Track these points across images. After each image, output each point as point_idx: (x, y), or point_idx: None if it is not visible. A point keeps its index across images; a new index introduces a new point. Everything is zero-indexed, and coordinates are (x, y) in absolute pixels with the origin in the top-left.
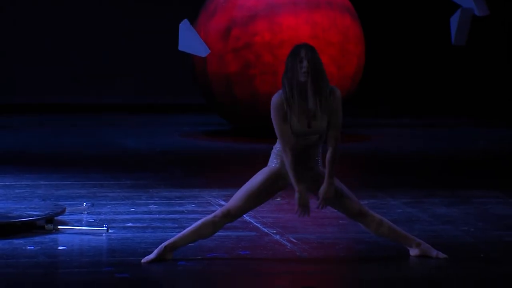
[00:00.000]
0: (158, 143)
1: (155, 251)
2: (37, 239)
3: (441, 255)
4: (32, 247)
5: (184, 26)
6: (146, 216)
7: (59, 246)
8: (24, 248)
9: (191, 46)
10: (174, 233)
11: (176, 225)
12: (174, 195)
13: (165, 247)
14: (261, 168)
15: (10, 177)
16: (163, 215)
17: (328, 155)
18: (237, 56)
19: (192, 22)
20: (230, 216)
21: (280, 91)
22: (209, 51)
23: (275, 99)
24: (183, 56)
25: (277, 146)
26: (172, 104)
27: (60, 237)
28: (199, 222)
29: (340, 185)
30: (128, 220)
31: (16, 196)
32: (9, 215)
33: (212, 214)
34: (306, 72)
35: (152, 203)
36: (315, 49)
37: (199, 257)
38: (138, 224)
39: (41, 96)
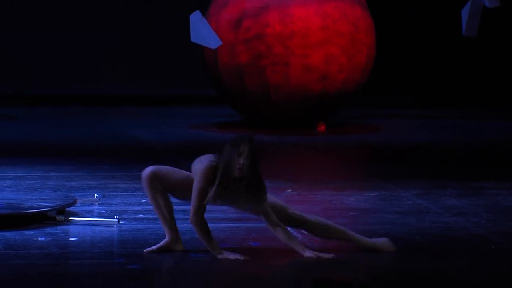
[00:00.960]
0: (169, 134)
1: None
2: (48, 230)
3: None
4: (44, 238)
5: (196, 18)
6: None
7: (71, 237)
8: (35, 239)
9: (203, 38)
10: (185, 224)
11: (187, 216)
12: None
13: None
14: (270, 159)
15: (22, 169)
16: (175, 206)
17: (281, 235)
18: (248, 47)
19: (203, 13)
20: None
21: (213, 159)
22: (221, 42)
23: (211, 164)
24: (194, 47)
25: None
26: (182, 95)
27: (71, 228)
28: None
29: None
30: (139, 212)
31: (27, 187)
32: (21, 206)
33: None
34: (241, 169)
35: None
36: (255, 147)
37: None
38: (149, 216)
39: (52, 86)
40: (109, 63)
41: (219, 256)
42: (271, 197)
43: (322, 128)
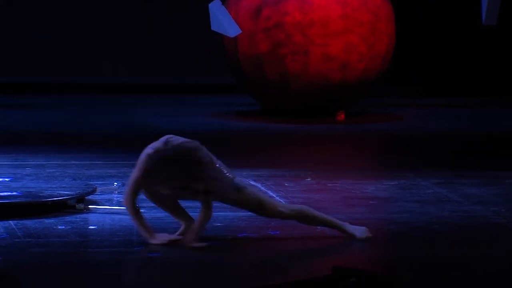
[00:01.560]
0: (188, 123)
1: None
2: (68, 218)
3: None
4: (63, 227)
5: (215, 6)
6: None
7: (90, 225)
8: (55, 227)
9: (222, 26)
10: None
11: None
12: None
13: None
14: (289, 148)
15: (41, 157)
16: None
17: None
18: (268, 35)
19: (223, 1)
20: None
21: None
22: (240, 31)
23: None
24: (213, 36)
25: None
26: (202, 84)
27: (91, 216)
28: None
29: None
30: None
31: (47, 176)
32: (40, 194)
33: None
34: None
35: None
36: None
37: (229, 236)
38: None
39: (73, 75)
40: (130, 51)
41: (152, 241)
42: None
43: (341, 117)
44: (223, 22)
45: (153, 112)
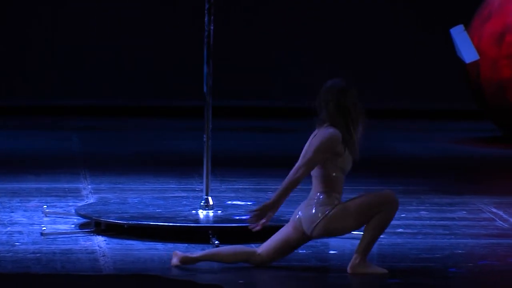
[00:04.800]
0: (430, 148)
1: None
2: (309, 243)
3: None
4: (304, 251)
5: (456, 31)
6: (417, 222)
7: (330, 250)
8: (296, 251)
9: (460, 51)
10: (445, 240)
11: (447, 232)
12: (445, 202)
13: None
14: None
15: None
16: (433, 222)
17: None
18: (511, 62)
19: (466, 26)
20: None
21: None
22: (478, 57)
23: (335, 133)
24: (457, 61)
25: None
26: (445, 110)
27: (331, 241)
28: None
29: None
30: (399, 226)
31: (288, 200)
32: (282, 218)
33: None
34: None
35: (423, 209)
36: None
37: (471, 264)
38: (408, 230)
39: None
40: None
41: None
42: None
43: None
44: (461, 48)
45: (395, 137)
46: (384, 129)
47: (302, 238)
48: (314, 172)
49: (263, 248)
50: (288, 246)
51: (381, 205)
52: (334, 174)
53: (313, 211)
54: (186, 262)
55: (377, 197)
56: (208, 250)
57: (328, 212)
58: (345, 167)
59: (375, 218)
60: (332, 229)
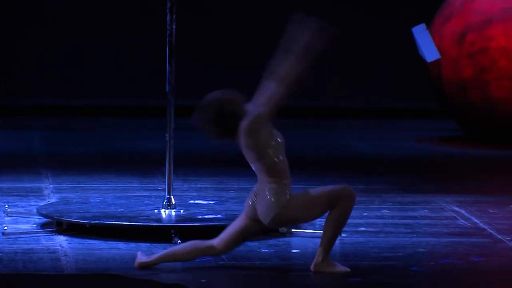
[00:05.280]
0: (391, 148)
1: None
2: (271, 242)
3: None
4: (267, 250)
5: (418, 30)
6: (379, 220)
7: (293, 249)
8: (258, 250)
9: (421, 50)
10: (407, 238)
11: (409, 230)
12: (407, 200)
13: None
14: (493, 174)
15: (246, 180)
16: (395, 220)
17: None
18: (472, 61)
19: (428, 25)
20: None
21: None
22: (439, 56)
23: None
24: (418, 60)
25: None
26: (405, 109)
27: (293, 240)
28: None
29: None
30: (361, 225)
31: None
32: None
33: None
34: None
35: (385, 208)
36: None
37: (432, 262)
38: (370, 229)
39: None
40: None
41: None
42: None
43: None
44: (422, 47)
45: (357, 136)
46: (345, 128)
47: (257, 227)
48: (256, 167)
49: (219, 240)
50: (244, 236)
51: (338, 198)
52: (276, 160)
53: (268, 200)
54: (144, 267)
55: (334, 190)
56: (164, 251)
57: (284, 202)
58: (280, 148)
59: (333, 213)
60: (288, 219)
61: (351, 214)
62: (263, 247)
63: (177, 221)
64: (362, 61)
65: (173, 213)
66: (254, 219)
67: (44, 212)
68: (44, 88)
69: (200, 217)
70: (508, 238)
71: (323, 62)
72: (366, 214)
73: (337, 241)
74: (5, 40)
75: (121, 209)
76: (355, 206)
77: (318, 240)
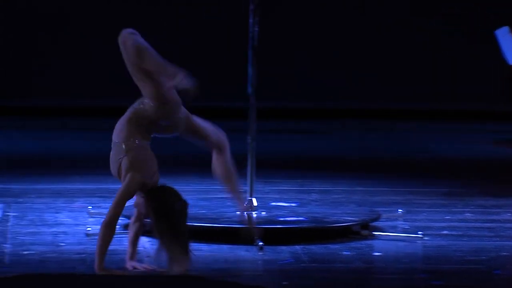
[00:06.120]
0: (471, 150)
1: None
2: (353, 244)
3: None
4: (348, 252)
5: (501, 33)
6: (461, 224)
7: (375, 252)
8: (340, 253)
9: (504, 53)
10: (490, 242)
11: (493, 234)
12: (490, 204)
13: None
14: None
15: (327, 183)
16: (479, 224)
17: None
18: None
19: None
20: None
21: None
22: None
23: None
24: (501, 62)
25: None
26: (485, 111)
27: (375, 243)
28: None
29: None
30: (444, 228)
31: (332, 202)
32: (326, 220)
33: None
34: None
35: (468, 211)
36: None
37: None
38: (453, 232)
39: (352, 99)
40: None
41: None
42: None
43: None
44: (505, 49)
45: (434, 138)
46: (423, 130)
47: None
48: None
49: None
50: None
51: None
52: None
53: None
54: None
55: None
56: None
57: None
58: None
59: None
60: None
61: (435, 218)
62: (344, 250)
63: (258, 223)
64: (441, 64)
65: (255, 215)
66: None
67: (126, 213)
68: (81, 88)
69: (281, 219)
70: None
71: (407, 65)
72: (448, 217)
73: (419, 244)
74: (39, 39)
75: (203, 211)
76: (437, 210)
77: (401, 244)
